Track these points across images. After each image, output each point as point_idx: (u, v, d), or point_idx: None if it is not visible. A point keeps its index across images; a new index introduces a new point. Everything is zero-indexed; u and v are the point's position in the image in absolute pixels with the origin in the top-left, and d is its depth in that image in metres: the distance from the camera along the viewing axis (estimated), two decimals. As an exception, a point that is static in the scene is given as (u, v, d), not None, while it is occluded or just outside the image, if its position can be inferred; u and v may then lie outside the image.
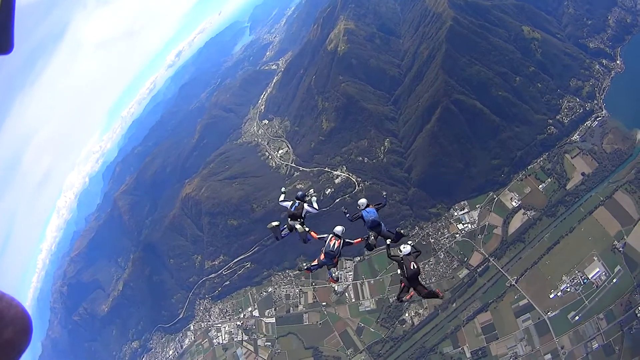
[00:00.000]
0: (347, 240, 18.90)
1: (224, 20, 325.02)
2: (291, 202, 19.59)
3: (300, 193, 19.92)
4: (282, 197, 20.49)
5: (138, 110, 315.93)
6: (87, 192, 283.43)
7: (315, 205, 19.93)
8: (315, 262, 19.02)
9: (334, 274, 19.69)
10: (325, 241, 18.64)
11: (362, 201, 19.51)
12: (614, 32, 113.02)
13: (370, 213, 19.20)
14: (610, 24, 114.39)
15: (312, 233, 19.23)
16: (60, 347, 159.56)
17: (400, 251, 18.26)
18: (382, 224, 19.41)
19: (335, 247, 18.28)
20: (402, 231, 19.65)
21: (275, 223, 19.34)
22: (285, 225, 19.37)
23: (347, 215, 20.27)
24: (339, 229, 18.80)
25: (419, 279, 17.93)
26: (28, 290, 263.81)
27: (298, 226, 18.93)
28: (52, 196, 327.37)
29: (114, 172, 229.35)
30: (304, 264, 19.35)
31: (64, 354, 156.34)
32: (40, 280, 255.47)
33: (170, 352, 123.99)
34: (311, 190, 21.36)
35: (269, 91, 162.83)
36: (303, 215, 19.24)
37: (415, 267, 17.64)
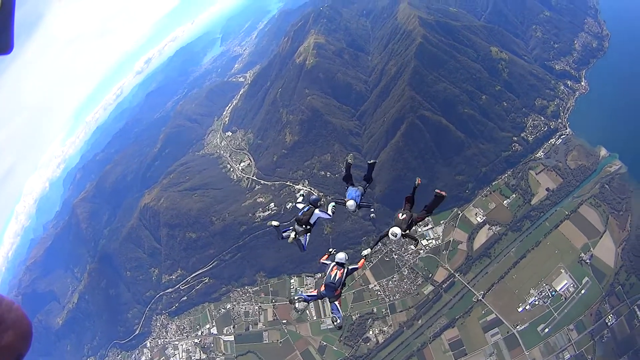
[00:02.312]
0: (350, 267, 16.70)
1: (197, 30, 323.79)
2: (302, 206, 18.42)
3: (313, 197, 18.53)
4: (299, 199, 19.58)
5: (103, 116, 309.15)
6: (47, 198, 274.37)
7: (329, 211, 18.10)
8: (314, 293, 16.57)
9: (337, 316, 15.96)
10: (327, 270, 16.39)
11: (341, 255, 16.81)
12: (580, 56, 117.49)
13: (355, 197, 18.05)
14: (577, 47, 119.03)
15: (323, 258, 17.58)
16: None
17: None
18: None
19: (337, 278, 15.91)
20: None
21: (275, 223, 18.28)
22: (290, 228, 17.98)
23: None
24: (341, 256, 16.60)
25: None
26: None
27: (293, 234, 17.61)
28: (11, 200, 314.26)
29: (75, 179, 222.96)
30: (296, 296, 16.14)
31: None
32: None
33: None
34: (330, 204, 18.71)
35: (234, 103, 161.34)
36: (311, 222, 17.76)
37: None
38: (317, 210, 17.80)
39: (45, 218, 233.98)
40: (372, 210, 17.53)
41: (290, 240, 17.71)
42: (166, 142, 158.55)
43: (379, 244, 17.50)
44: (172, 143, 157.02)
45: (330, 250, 17.82)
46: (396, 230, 16.13)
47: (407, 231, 16.42)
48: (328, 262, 16.88)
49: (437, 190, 17.02)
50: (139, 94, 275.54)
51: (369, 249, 18.00)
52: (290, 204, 20.19)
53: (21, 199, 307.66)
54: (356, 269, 17.24)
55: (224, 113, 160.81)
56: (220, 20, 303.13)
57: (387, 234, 16.43)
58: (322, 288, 16.18)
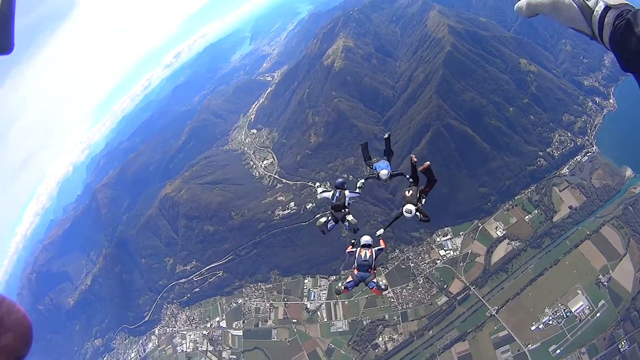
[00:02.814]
0: (376, 249, 17.01)
1: (227, 27, 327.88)
2: (332, 192, 17.87)
3: (340, 181, 18.09)
4: (320, 190, 18.98)
5: (130, 106, 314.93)
6: (69, 181, 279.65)
7: (357, 189, 18.07)
8: (350, 279, 16.62)
9: (381, 283, 16.95)
10: (354, 255, 16.85)
11: (366, 238, 17.34)
12: (609, 72, 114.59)
13: (385, 166, 17.72)
14: (606, 64, 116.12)
15: (348, 249, 17.63)
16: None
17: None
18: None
19: (368, 256, 16.47)
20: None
21: (323, 219, 17.75)
22: (330, 218, 17.69)
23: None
24: (366, 238, 17.18)
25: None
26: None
27: (350, 217, 17.29)
28: (34, 180, 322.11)
29: (98, 165, 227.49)
30: (340, 285, 16.77)
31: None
32: (12, 265, 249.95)
33: (132, 355, 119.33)
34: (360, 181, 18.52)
35: (261, 101, 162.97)
36: (347, 204, 17.53)
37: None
38: (347, 192, 17.60)
39: (66, 201, 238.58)
40: (425, 220, 16.57)
41: (318, 223, 17.69)
42: (191, 136, 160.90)
43: (392, 226, 17.46)
44: (197, 137, 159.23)
45: (353, 241, 17.68)
46: (410, 207, 16.00)
47: (419, 205, 16.26)
48: (354, 250, 17.03)
49: (412, 157, 16.97)
50: (167, 87, 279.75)
51: (382, 230, 17.87)
52: (310, 204, 19.98)
53: (44, 180, 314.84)
54: (382, 249, 17.24)
55: (250, 110, 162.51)
56: (250, 19, 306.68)
57: (402, 214, 16.23)
58: (356, 271, 16.39)
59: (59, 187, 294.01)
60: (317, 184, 20.77)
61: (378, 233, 17.75)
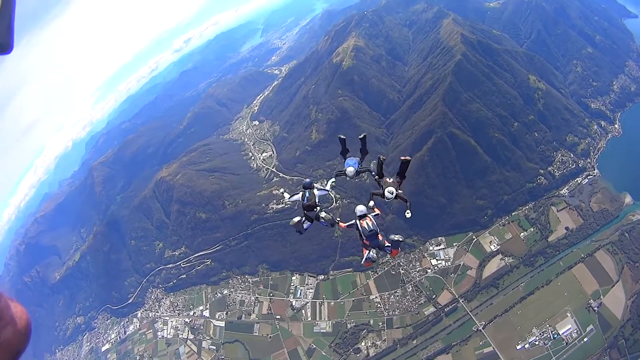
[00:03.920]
0: (374, 214, 17.55)
1: (239, 17, 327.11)
2: (301, 194, 18.18)
3: (307, 181, 18.42)
4: (286, 196, 19.55)
5: (135, 87, 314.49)
6: (68, 156, 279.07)
7: (328, 186, 18.93)
8: (366, 252, 17.25)
9: (395, 237, 17.27)
10: (355, 228, 17.31)
11: (360, 208, 17.65)
12: (617, 97, 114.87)
13: (353, 164, 18.47)
14: (615, 89, 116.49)
15: (341, 224, 18.10)
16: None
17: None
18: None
19: (370, 225, 16.81)
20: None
21: (297, 219, 18.08)
22: (304, 219, 18.08)
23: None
24: (361, 208, 17.49)
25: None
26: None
27: (323, 214, 17.64)
28: (33, 152, 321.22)
29: (97, 142, 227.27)
30: (363, 261, 17.63)
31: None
32: (2, 235, 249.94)
33: (113, 336, 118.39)
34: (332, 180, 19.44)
35: (266, 93, 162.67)
36: (318, 203, 17.90)
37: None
38: (316, 191, 17.92)
39: (62, 175, 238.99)
40: (408, 208, 17.46)
41: (291, 222, 17.97)
42: (193, 121, 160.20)
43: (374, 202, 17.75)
44: (199, 123, 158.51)
45: (338, 220, 18.19)
46: (392, 189, 16.95)
47: (399, 192, 17.23)
48: (352, 222, 17.45)
49: (402, 157, 17.88)
50: (174, 71, 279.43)
51: (372, 202, 17.97)
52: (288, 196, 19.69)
53: (42, 153, 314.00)
54: (378, 214, 17.63)
55: (254, 102, 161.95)
56: (264, 11, 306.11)
57: (382, 194, 17.09)
58: (367, 242, 16.98)
59: (57, 161, 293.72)
60: (282, 190, 20.52)
61: (370, 204, 17.91)
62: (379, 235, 16.91)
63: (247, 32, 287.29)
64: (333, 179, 19.09)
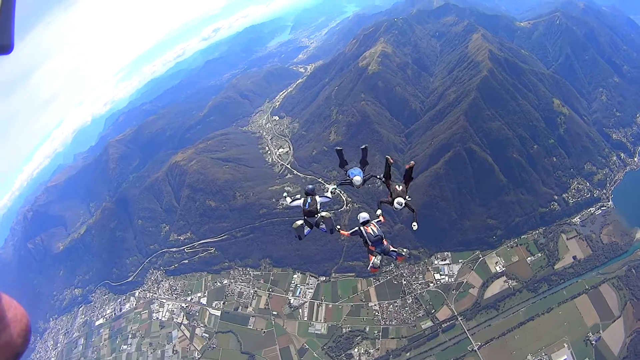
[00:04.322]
0: (376, 221, 17.41)
1: (270, 12, 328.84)
2: (302, 199, 17.93)
3: (310, 187, 18.43)
4: (288, 200, 18.95)
5: (160, 71, 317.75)
6: (86, 131, 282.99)
7: (328, 193, 18.49)
8: (372, 258, 16.85)
9: (401, 251, 18.12)
10: (359, 235, 17.20)
11: (364, 215, 17.49)
12: (639, 130, 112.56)
13: (358, 173, 18.36)
14: (638, 121, 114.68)
15: (342, 232, 18.21)
16: (7, 268, 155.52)
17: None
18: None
19: (375, 231, 16.73)
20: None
21: (300, 222, 17.81)
22: (304, 224, 17.84)
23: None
24: (364, 215, 17.40)
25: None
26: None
27: (324, 213, 17.62)
28: (52, 123, 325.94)
29: (117, 120, 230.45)
30: (368, 268, 17.01)
31: (8, 276, 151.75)
32: (12, 200, 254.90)
33: (108, 311, 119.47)
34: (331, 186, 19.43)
35: (289, 90, 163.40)
36: (319, 210, 17.71)
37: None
38: (317, 197, 17.75)
39: (78, 149, 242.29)
40: (415, 219, 17.61)
41: (295, 225, 17.67)
42: (213, 110, 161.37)
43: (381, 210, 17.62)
44: (219, 112, 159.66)
45: (338, 227, 18.17)
46: (401, 200, 17.00)
47: (408, 200, 17.26)
48: (356, 230, 17.26)
49: (406, 165, 18.27)
50: (200, 59, 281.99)
51: (379, 210, 17.92)
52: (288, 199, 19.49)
53: (61, 125, 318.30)
54: (380, 221, 17.47)
55: (277, 97, 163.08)
56: (295, 9, 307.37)
57: (391, 202, 17.18)
58: (373, 248, 16.73)
59: (75, 134, 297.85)
60: (285, 194, 20.80)
61: (377, 213, 17.86)
62: (384, 241, 16.79)
63: (276, 27, 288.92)
64: (334, 186, 19.23)
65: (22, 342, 3.17)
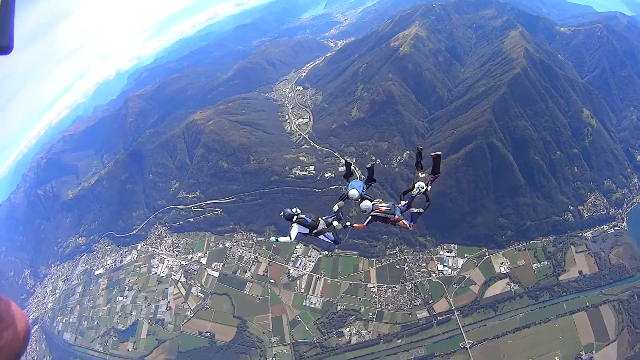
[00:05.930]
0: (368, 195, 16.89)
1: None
2: (294, 226, 16.76)
3: (288, 212, 17.14)
4: (282, 239, 17.05)
5: (189, 32, 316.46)
6: (108, 85, 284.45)
7: (335, 207, 17.10)
8: (403, 223, 16.88)
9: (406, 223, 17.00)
10: (374, 220, 16.78)
11: (366, 204, 16.56)
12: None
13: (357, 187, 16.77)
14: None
15: (356, 225, 17.74)
16: (16, 214, 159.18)
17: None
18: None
19: (387, 205, 16.55)
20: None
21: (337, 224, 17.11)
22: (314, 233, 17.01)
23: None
24: (367, 204, 16.44)
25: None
26: (13, 151, 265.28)
27: (335, 223, 16.97)
28: (75, 74, 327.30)
29: (140, 76, 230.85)
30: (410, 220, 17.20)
31: (17, 221, 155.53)
32: (28, 147, 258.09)
33: (109, 262, 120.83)
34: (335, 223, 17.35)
35: (317, 62, 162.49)
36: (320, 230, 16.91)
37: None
38: (321, 220, 16.92)
39: (99, 102, 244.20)
40: (425, 209, 17.07)
41: (338, 227, 16.99)
42: (238, 74, 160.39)
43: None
44: (243, 76, 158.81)
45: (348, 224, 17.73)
46: (422, 183, 16.61)
47: (427, 189, 16.81)
48: (369, 219, 16.82)
49: (432, 153, 17.28)
50: (231, 24, 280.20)
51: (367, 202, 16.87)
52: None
53: (85, 77, 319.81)
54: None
55: (303, 68, 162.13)
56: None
57: (413, 188, 16.65)
58: (395, 217, 16.49)
59: (97, 87, 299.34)
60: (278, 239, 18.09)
61: (402, 204, 17.44)
62: (394, 217, 16.48)
63: (311, 0, 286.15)
64: (336, 206, 17.54)
65: (23, 343, 3.16)
